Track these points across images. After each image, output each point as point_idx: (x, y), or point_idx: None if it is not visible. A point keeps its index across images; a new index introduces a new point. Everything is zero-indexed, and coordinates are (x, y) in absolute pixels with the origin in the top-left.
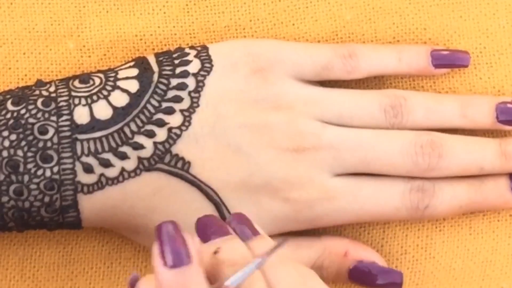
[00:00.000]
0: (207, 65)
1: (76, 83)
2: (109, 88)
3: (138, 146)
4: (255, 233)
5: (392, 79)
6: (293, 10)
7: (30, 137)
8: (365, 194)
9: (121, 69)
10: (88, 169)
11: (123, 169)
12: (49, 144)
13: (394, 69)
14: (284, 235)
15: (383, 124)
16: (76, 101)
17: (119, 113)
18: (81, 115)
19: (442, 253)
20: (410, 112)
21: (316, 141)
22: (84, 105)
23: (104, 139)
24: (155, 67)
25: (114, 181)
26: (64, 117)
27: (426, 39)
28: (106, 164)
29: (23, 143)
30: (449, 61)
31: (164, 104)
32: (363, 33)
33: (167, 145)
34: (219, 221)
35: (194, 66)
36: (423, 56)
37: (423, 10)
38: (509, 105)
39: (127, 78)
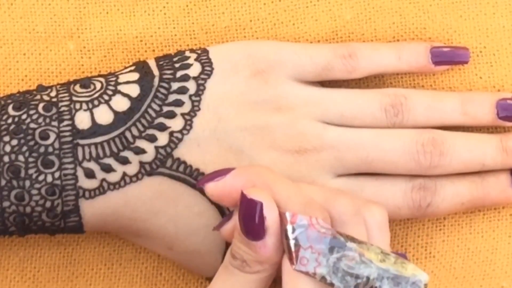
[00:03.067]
0: (208, 68)
1: (77, 87)
2: (110, 92)
3: (139, 151)
4: None
5: (392, 78)
6: (293, 10)
7: (31, 142)
8: (367, 194)
9: (121, 74)
10: (90, 174)
11: (124, 174)
12: (50, 149)
13: (394, 68)
14: None
15: (384, 123)
16: (77, 106)
17: (120, 118)
18: (82, 120)
19: (443, 252)
20: (411, 111)
21: (318, 142)
22: (85, 110)
23: (105, 144)
24: (155, 71)
25: (115, 186)
26: (66, 122)
27: (426, 38)
28: (108, 169)
29: (24, 148)
30: (448, 58)
31: (165, 108)
32: (363, 32)
33: (168, 149)
34: None
35: (195, 69)
36: (423, 54)
37: (423, 9)
38: (509, 102)
39: (128, 82)
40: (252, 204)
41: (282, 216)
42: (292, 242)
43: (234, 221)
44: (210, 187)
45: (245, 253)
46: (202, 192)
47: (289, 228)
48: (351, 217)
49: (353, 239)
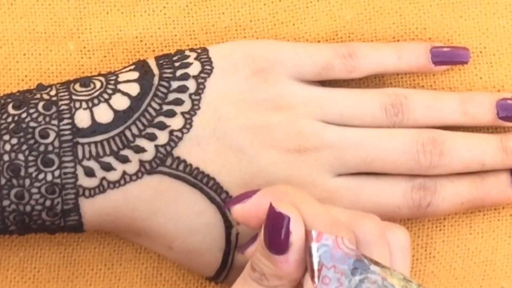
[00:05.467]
0: (208, 67)
1: (77, 86)
2: (110, 91)
3: (139, 149)
4: None
5: (392, 78)
6: (293, 10)
7: (31, 141)
8: (367, 194)
9: (121, 73)
10: (90, 172)
11: (124, 173)
12: (50, 148)
13: (394, 68)
14: None
15: (384, 123)
16: (77, 104)
17: (120, 117)
18: (82, 119)
19: (443, 253)
20: (411, 110)
21: (318, 141)
22: (85, 109)
23: (105, 143)
24: (155, 70)
25: (115, 184)
26: (65, 121)
27: (426, 39)
28: (108, 167)
29: (24, 147)
30: (449, 58)
31: (165, 107)
32: (363, 33)
33: (168, 148)
34: None
35: (195, 68)
36: (423, 54)
37: (423, 10)
38: (509, 102)
39: (127, 81)
40: (279, 217)
41: (307, 234)
42: (315, 261)
43: (259, 242)
44: (237, 209)
45: (266, 267)
46: (202, 191)
47: (313, 246)
48: (376, 239)
49: (376, 263)
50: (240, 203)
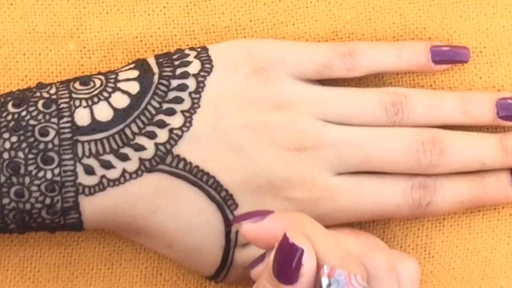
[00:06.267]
0: (207, 65)
1: (77, 85)
2: (109, 89)
3: (139, 147)
4: None
5: (392, 78)
6: (293, 10)
7: (31, 139)
8: (367, 193)
9: (121, 71)
10: (89, 170)
11: (124, 171)
12: (50, 146)
13: (394, 67)
14: None
15: (384, 122)
16: (77, 102)
17: (120, 115)
18: (82, 117)
19: (442, 253)
20: (411, 109)
21: (318, 140)
22: (84, 107)
23: (105, 141)
24: (155, 69)
25: (115, 182)
26: (65, 119)
27: (426, 38)
28: (107, 165)
29: (24, 145)
30: (449, 57)
31: (165, 105)
32: (363, 33)
33: (168, 146)
34: None
35: (194, 67)
36: (423, 53)
37: (423, 9)
38: (509, 101)
39: (127, 79)
40: (293, 248)
41: (318, 267)
42: None
43: (267, 263)
44: (247, 228)
45: None
46: (202, 189)
47: (324, 280)
48: (387, 273)
49: None
50: (250, 221)
